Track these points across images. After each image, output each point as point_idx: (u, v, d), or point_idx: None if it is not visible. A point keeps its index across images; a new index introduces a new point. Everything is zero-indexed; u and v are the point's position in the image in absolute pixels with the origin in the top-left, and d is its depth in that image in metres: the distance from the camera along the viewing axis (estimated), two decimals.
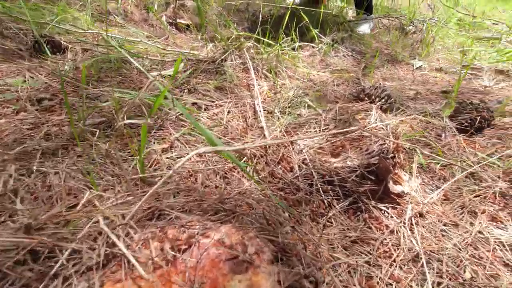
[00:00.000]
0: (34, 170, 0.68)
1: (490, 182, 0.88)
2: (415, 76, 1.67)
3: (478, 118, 1.04)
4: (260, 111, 1.04)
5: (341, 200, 0.76)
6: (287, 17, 1.57)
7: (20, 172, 0.67)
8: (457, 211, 0.81)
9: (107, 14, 1.75)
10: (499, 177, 0.90)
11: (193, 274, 0.42)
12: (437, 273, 0.63)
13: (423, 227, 0.74)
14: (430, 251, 0.68)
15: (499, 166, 0.94)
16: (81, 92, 1.01)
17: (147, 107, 0.93)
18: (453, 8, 3.02)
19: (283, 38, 1.59)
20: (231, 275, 0.43)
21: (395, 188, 0.79)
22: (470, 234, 0.73)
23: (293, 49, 1.68)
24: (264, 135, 0.92)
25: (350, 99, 1.23)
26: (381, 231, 0.72)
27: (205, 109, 1.11)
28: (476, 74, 1.74)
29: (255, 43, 1.48)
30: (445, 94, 1.39)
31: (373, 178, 0.77)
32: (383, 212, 0.77)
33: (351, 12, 2.58)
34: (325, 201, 0.75)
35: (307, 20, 1.74)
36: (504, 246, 0.71)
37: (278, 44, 1.48)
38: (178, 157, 0.85)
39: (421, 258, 0.65)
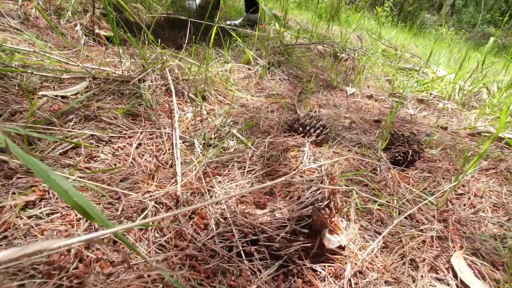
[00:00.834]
0: None
1: (427, 224, 0.82)
2: (349, 102, 1.67)
3: (410, 151, 1.01)
4: (176, 144, 0.86)
5: (268, 264, 0.60)
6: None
7: None
8: (398, 261, 0.71)
9: None
10: (434, 217, 0.85)
11: None
12: None
13: None
14: None
15: (432, 203, 0.90)
16: None
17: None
18: (378, 40, 3.29)
19: (213, 59, 1.45)
20: None
21: (332, 242, 0.66)
22: None
23: (227, 70, 1.55)
24: (176, 180, 0.72)
25: (284, 128, 1.12)
26: None
27: (107, 142, 0.88)
28: (402, 102, 1.82)
29: (179, 63, 1.30)
30: (377, 123, 1.38)
31: (306, 231, 0.64)
32: (318, 274, 0.63)
33: (289, 37, 2.60)
34: (248, 269, 0.58)
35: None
36: None
37: (205, 66, 1.32)
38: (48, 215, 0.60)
39: None
